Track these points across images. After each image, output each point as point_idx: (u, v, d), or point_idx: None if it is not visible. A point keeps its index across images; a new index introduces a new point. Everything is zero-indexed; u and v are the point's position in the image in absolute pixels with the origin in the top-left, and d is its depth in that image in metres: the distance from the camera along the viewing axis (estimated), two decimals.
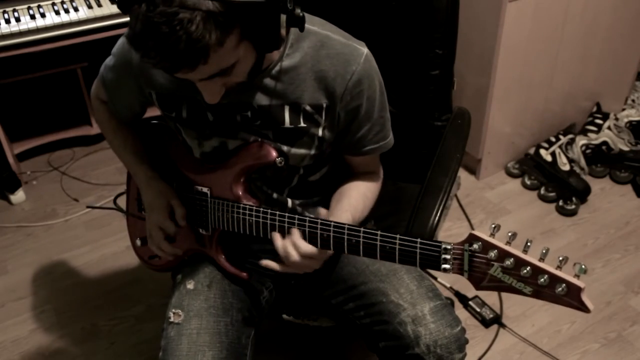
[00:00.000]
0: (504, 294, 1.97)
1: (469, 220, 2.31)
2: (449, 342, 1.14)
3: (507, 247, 0.92)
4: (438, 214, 1.37)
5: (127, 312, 2.00)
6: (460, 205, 2.37)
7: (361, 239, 1.04)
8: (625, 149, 2.49)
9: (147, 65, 0.94)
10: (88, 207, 2.02)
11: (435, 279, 1.99)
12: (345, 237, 1.05)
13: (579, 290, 0.87)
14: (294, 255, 1.07)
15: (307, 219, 1.08)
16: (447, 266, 0.97)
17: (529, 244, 0.91)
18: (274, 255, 1.11)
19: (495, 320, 1.90)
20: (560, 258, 0.89)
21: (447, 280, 2.01)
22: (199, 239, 1.26)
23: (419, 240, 0.99)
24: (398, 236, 1.01)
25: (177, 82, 1.09)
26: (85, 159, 2.76)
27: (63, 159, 2.76)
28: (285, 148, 1.15)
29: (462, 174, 2.55)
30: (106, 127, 1.36)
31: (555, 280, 0.88)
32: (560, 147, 2.46)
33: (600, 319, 1.91)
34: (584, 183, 2.37)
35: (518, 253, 0.91)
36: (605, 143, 2.50)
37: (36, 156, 2.76)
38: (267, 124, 1.13)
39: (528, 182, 2.47)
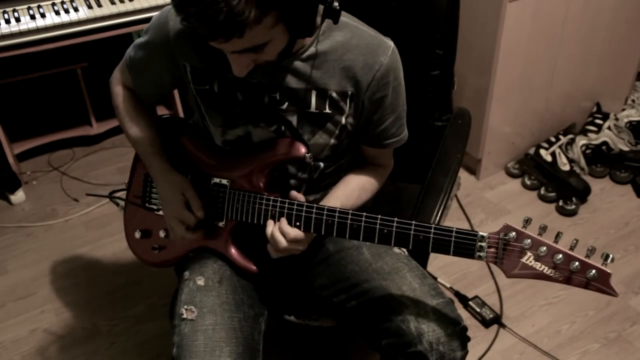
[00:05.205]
0: (504, 295, 1.97)
1: (469, 221, 2.31)
2: (452, 340, 1.15)
3: (540, 237, 1.00)
4: (438, 214, 1.37)
5: (127, 312, 2.00)
6: (460, 206, 2.37)
7: (394, 229, 1.09)
8: (625, 149, 2.49)
9: (183, 37, 1.06)
10: (87, 194, 2.09)
11: (436, 279, 1.98)
12: (377, 227, 1.10)
13: (608, 275, 0.97)
14: (282, 241, 1.13)
15: (337, 210, 1.12)
16: (481, 254, 1.03)
17: (560, 234, 1.00)
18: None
19: (495, 320, 1.90)
20: (589, 248, 0.99)
21: (447, 280, 2.01)
22: (208, 232, 1.26)
23: (454, 229, 1.05)
24: (433, 225, 1.06)
25: (211, 59, 1.13)
26: (85, 159, 2.76)
27: (63, 159, 2.76)
28: (306, 137, 1.18)
29: (462, 174, 2.55)
30: (124, 115, 1.33)
31: (586, 266, 0.98)
32: (560, 147, 2.46)
33: (600, 319, 1.91)
34: (584, 183, 2.37)
35: (551, 242, 1.00)
36: (605, 143, 2.51)
37: (36, 156, 2.76)
38: (294, 106, 1.16)
39: (528, 182, 2.47)
